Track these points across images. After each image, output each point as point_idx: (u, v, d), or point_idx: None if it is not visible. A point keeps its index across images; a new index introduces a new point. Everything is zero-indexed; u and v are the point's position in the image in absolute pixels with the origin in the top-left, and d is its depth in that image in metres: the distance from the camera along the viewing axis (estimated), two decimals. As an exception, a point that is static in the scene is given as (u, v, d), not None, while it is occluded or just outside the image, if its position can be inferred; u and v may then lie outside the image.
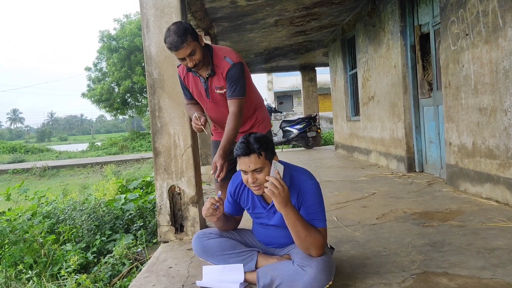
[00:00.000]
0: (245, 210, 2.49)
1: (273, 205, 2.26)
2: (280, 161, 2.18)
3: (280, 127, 12.36)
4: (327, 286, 2.07)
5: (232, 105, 2.67)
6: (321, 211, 2.19)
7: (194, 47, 2.56)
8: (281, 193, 2.01)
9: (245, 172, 2.13)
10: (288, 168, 2.25)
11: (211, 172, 2.51)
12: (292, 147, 13.58)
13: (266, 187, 2.03)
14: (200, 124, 2.65)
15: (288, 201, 2.06)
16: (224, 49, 2.76)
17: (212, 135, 3.08)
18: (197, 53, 2.58)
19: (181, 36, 2.51)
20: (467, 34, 4.09)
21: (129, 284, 2.67)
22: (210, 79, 2.74)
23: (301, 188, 2.19)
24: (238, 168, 2.27)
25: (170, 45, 2.53)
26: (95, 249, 3.97)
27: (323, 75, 20.86)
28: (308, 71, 14.78)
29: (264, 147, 2.10)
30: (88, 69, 28.06)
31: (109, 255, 3.63)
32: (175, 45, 2.51)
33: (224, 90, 2.73)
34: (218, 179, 2.51)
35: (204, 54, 2.65)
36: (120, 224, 4.49)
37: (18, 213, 4.84)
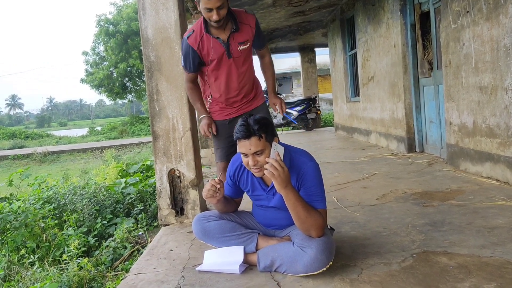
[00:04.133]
0: (245, 192, 2.49)
1: (273, 187, 2.26)
2: (279, 143, 2.17)
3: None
4: (327, 266, 2.08)
5: (266, 53, 3.13)
6: (321, 193, 2.19)
7: (224, 2, 2.68)
8: (281, 174, 2.00)
9: (246, 155, 2.12)
10: (288, 150, 2.24)
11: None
12: (292, 129, 13.56)
13: (266, 169, 2.02)
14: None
15: (288, 183, 2.05)
16: (237, 9, 2.93)
17: (213, 130, 3.00)
18: (224, 8, 2.70)
19: None
20: (467, 12, 4.03)
21: (130, 267, 2.69)
22: (232, 37, 2.85)
23: (300, 170, 2.18)
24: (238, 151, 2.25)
25: None
26: (96, 233, 4.00)
27: (322, 56, 20.64)
28: (307, 52, 14.64)
29: (264, 129, 2.07)
30: (85, 53, 27.84)
31: (110, 238, 3.65)
32: None
33: (248, 45, 2.91)
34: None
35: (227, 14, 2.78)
36: (121, 208, 4.51)
37: (22, 200, 4.85)
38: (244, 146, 2.08)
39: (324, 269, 2.07)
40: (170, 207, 3.39)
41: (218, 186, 2.25)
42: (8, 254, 3.59)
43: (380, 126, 7.00)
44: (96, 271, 3.07)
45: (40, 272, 3.20)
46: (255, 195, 2.39)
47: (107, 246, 3.52)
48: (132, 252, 3.41)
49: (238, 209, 2.58)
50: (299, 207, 2.07)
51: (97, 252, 3.54)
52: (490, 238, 2.44)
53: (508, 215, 2.82)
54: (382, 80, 6.68)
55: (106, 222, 4.17)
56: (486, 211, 2.95)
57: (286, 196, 2.06)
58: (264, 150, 2.09)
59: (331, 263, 2.10)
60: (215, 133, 2.98)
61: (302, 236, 2.14)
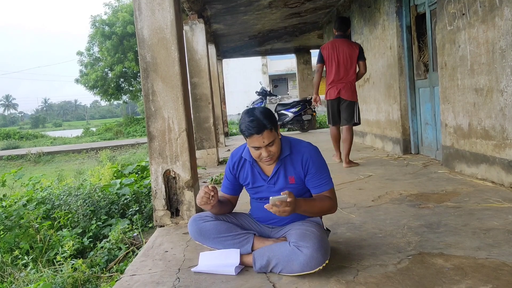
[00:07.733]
0: (243, 189, 2.50)
1: (273, 176, 2.33)
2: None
3: (275, 111, 12.30)
4: (324, 265, 2.08)
5: None
6: (327, 174, 2.30)
7: None
8: (290, 210, 2.05)
9: (258, 148, 2.18)
10: (287, 138, 2.35)
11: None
12: (288, 130, 13.57)
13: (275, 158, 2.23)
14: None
15: (296, 206, 2.09)
16: None
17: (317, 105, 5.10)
18: None
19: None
20: (463, 14, 4.04)
21: (125, 269, 2.67)
22: None
23: (303, 154, 2.28)
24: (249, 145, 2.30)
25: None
26: (91, 234, 3.97)
27: (318, 57, 20.66)
28: (303, 53, 14.66)
29: (273, 120, 2.19)
30: (80, 53, 27.66)
31: (105, 240, 3.63)
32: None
33: None
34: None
35: None
36: (116, 209, 4.48)
37: (14, 200, 4.82)
38: (257, 140, 2.15)
39: (321, 267, 2.07)
40: (166, 208, 3.37)
41: (212, 193, 2.24)
42: (1, 255, 3.55)
43: (376, 128, 7.01)
44: (90, 272, 3.05)
45: (34, 273, 3.17)
46: (256, 187, 2.40)
47: (101, 247, 3.49)
48: (127, 253, 3.39)
49: (234, 211, 2.57)
50: (312, 209, 2.21)
51: (91, 253, 3.51)
52: (486, 240, 2.44)
53: (504, 217, 2.83)
54: (377, 81, 6.69)
55: (101, 223, 4.15)
56: (482, 213, 2.96)
57: (300, 212, 2.18)
58: (275, 139, 2.19)
59: (327, 261, 2.10)
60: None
61: (298, 236, 2.15)
